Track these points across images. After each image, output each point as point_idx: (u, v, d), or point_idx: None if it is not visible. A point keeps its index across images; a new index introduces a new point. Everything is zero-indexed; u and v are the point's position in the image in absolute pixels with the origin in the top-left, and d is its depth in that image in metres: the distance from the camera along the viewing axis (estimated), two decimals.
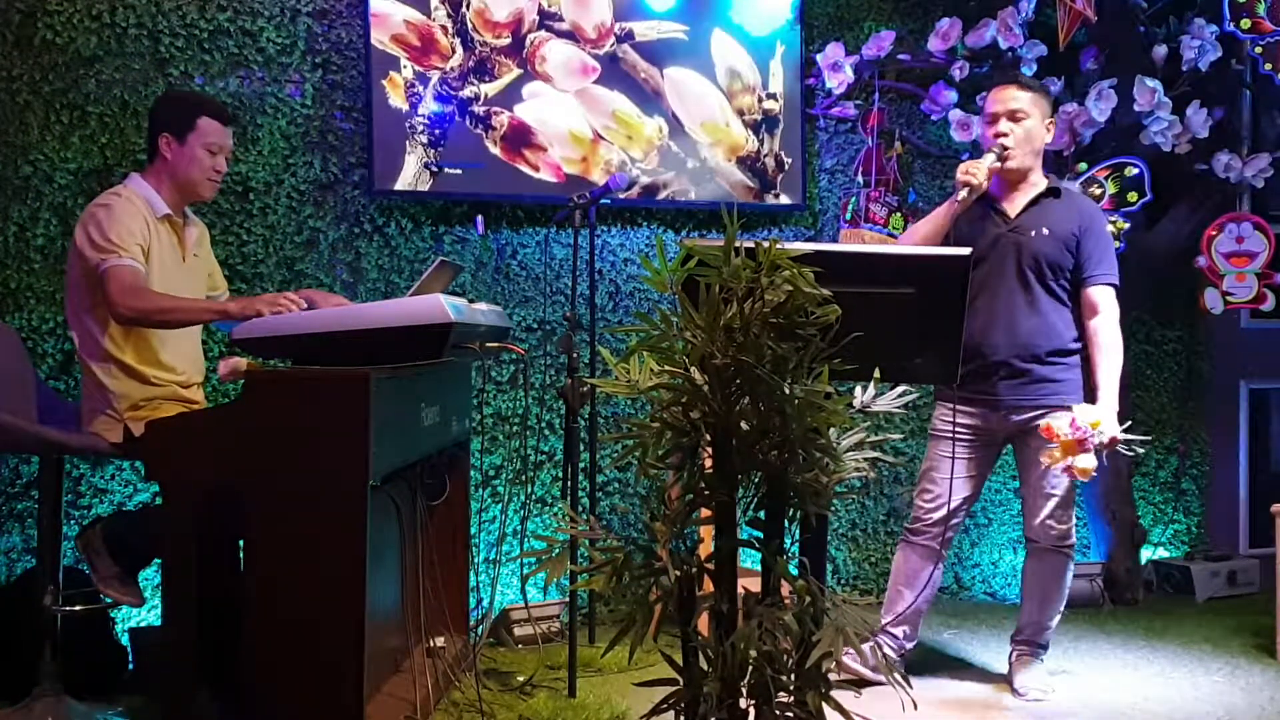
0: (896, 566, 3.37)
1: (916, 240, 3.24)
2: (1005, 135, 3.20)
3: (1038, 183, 3.29)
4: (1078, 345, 3.25)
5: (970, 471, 3.29)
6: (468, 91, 3.88)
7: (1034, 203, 3.26)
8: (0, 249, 3.42)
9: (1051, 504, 3.23)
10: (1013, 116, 3.21)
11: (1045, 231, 3.21)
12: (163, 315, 2.79)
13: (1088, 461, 2.94)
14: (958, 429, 3.24)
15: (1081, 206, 3.31)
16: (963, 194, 3.13)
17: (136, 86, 3.54)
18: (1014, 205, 3.27)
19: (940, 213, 3.23)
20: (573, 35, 4.01)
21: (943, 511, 3.25)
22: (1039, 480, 3.23)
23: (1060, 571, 3.27)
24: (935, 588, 3.38)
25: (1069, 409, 3.04)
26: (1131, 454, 3.06)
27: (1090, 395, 3.16)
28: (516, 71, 3.94)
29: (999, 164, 3.20)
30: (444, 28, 3.85)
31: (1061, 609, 3.33)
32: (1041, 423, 3.05)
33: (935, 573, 3.31)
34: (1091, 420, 2.94)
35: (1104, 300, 3.22)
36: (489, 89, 3.91)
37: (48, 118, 3.46)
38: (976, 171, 3.14)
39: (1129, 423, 3.08)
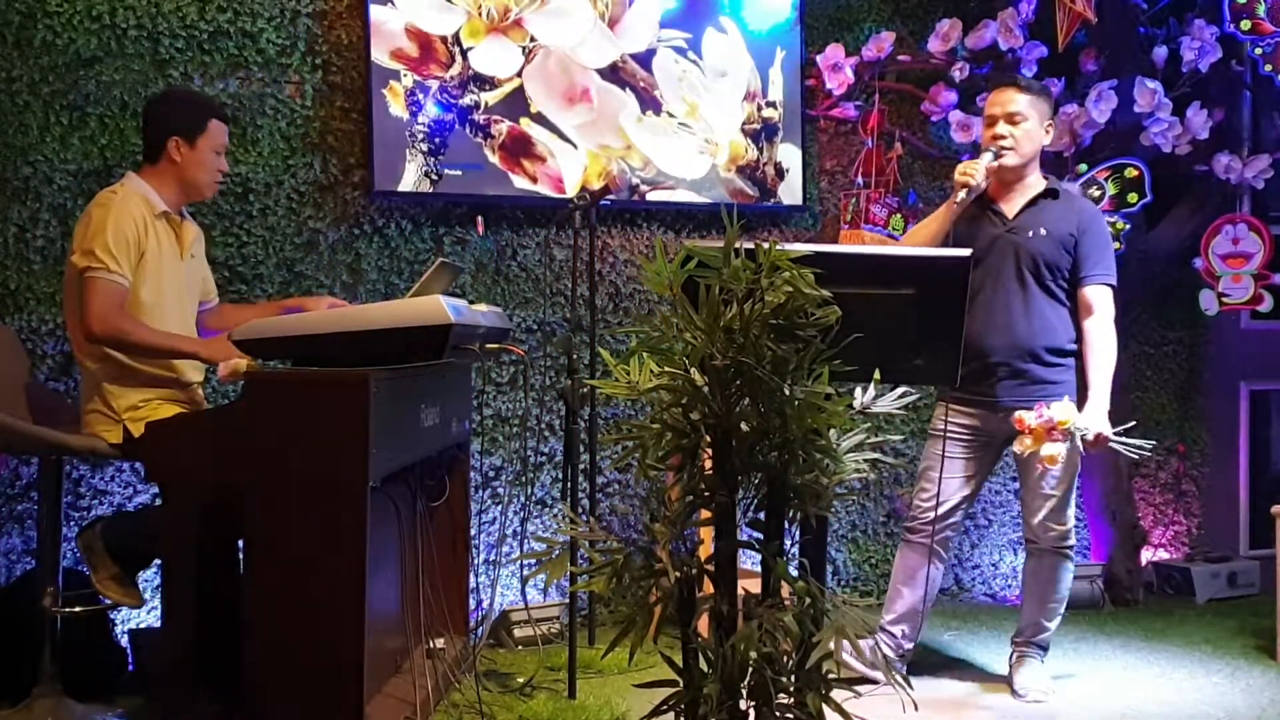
0: (896, 565, 3.39)
1: (918, 242, 3.25)
2: (1003, 138, 3.20)
3: (1035, 184, 3.29)
4: (1074, 345, 3.25)
5: (968, 472, 3.30)
6: (468, 99, 3.87)
7: (1031, 203, 3.26)
8: (0, 250, 3.43)
9: (1050, 505, 3.23)
10: (1011, 119, 3.21)
11: (1043, 232, 3.21)
12: (133, 341, 2.78)
13: (1052, 449, 2.97)
14: (957, 429, 3.28)
15: (1080, 207, 3.31)
16: (960, 195, 3.15)
17: (136, 88, 3.53)
18: (1011, 206, 3.28)
19: (939, 214, 3.24)
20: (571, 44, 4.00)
21: (938, 510, 3.26)
22: (1037, 482, 3.23)
23: (1059, 572, 3.28)
24: (935, 588, 3.38)
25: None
26: (1136, 456, 3.06)
27: (1085, 394, 3.17)
28: (517, 81, 3.93)
29: (995, 163, 3.20)
30: (443, 36, 3.84)
31: (1061, 610, 3.33)
32: (1014, 415, 3.05)
33: (934, 573, 3.31)
34: (1060, 419, 2.97)
35: (1100, 300, 3.22)
36: (489, 98, 3.90)
37: (47, 119, 3.46)
38: (974, 172, 3.15)
39: (1132, 423, 3.08)
